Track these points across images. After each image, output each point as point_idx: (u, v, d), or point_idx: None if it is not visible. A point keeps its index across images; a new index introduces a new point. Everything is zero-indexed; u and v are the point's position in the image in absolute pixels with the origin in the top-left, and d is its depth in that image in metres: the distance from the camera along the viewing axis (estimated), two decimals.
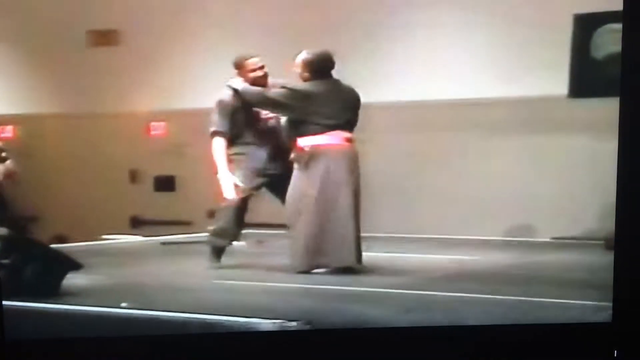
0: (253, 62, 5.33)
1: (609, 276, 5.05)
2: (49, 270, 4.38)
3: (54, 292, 4.31)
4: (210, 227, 5.29)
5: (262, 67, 5.31)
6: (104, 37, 8.32)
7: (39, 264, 4.35)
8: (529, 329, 3.61)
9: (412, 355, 3.62)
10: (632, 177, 3.64)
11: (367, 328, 3.65)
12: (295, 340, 3.67)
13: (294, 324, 3.69)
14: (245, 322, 3.79)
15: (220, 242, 5.25)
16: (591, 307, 3.97)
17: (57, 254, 4.64)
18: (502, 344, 3.59)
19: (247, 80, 5.32)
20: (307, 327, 3.69)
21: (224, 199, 5.17)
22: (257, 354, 3.67)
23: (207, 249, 6.19)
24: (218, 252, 5.26)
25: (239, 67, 5.34)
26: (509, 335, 3.59)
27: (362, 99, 5.19)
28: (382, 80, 7.13)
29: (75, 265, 4.52)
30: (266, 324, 3.76)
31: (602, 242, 6.15)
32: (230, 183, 5.16)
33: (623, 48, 3.66)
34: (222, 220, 5.20)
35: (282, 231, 6.19)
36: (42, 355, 3.65)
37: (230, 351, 3.73)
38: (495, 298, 4.26)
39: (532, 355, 3.59)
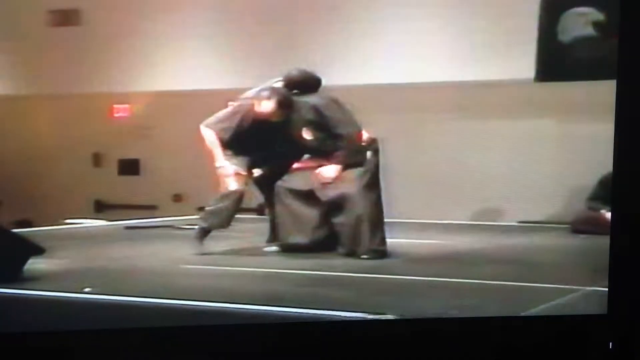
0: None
1: (578, 258, 5.11)
2: (10, 254, 4.30)
3: (15, 277, 4.23)
4: (208, 207, 5.22)
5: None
6: (66, 17, 8.18)
7: None
8: (522, 320, 3.61)
9: (396, 351, 3.60)
10: (628, 164, 3.63)
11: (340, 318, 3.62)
12: (269, 325, 3.64)
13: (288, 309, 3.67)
14: (213, 306, 3.76)
15: (214, 225, 5.20)
16: (563, 289, 4.01)
17: (19, 238, 4.54)
18: (494, 336, 3.58)
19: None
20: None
21: (227, 189, 5.15)
22: (226, 339, 3.64)
23: (171, 233, 6.15)
24: (203, 235, 5.21)
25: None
26: (502, 327, 3.58)
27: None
28: (353, 63, 7.12)
29: (37, 250, 4.44)
30: (231, 308, 3.73)
31: (568, 226, 6.25)
32: (231, 172, 5.13)
33: (620, 31, 3.64)
34: (221, 206, 5.17)
35: (250, 215, 6.17)
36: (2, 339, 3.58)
37: (197, 336, 3.69)
38: (471, 282, 4.28)
39: (526, 346, 3.59)
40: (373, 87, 7.03)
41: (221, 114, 5.29)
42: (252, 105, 5.22)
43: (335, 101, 5.22)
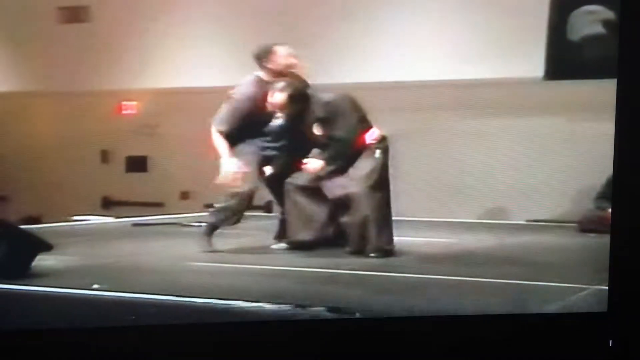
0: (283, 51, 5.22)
1: (585, 258, 5.10)
2: (18, 251, 4.31)
3: (24, 273, 4.24)
4: (218, 205, 5.22)
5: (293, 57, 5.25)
6: (75, 14, 8.19)
7: (8, 245, 4.28)
8: (523, 318, 3.61)
9: (399, 346, 3.61)
10: (629, 162, 3.63)
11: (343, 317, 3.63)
12: (273, 323, 3.64)
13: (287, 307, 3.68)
14: (220, 304, 3.76)
15: (224, 222, 5.19)
16: (570, 288, 4.00)
17: (28, 234, 4.56)
18: (495, 333, 3.58)
19: (273, 73, 5.21)
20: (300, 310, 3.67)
21: (236, 187, 5.15)
22: (233, 335, 3.64)
23: (178, 230, 6.14)
24: (211, 232, 5.20)
25: (264, 58, 5.23)
26: (502, 325, 3.58)
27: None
28: (357, 61, 7.10)
29: (45, 246, 4.45)
30: (236, 307, 3.73)
31: (575, 224, 6.24)
32: (230, 169, 5.12)
33: (620, 30, 3.64)
34: (231, 204, 5.17)
35: (258, 213, 6.18)
36: (10, 336, 3.59)
37: (204, 333, 3.70)
38: (474, 280, 4.28)
39: (527, 344, 3.59)
40: (378, 86, 7.02)
41: (223, 111, 5.27)
42: (249, 100, 5.18)
43: (349, 99, 5.17)
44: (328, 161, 5.12)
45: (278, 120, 5.25)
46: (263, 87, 5.21)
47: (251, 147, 5.23)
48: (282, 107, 5.12)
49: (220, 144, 5.18)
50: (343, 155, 5.12)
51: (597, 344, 3.62)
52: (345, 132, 5.11)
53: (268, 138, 5.25)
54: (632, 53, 3.65)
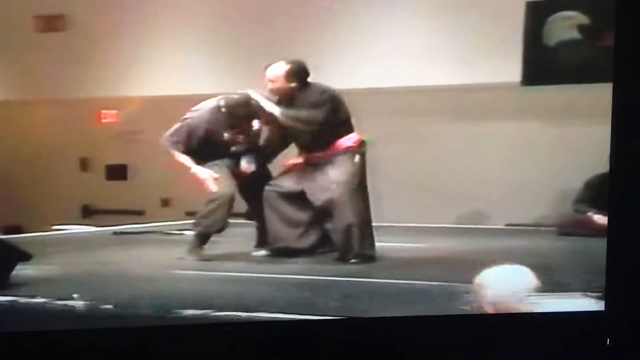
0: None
1: (564, 261, 5.13)
2: None
3: (2, 283, 4.21)
4: (200, 213, 5.21)
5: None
6: (52, 23, 8.16)
7: None
8: (519, 317, 3.61)
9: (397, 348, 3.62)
10: (624, 163, 3.65)
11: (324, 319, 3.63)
12: (259, 331, 3.65)
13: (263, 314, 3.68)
14: (203, 312, 3.76)
15: (210, 228, 5.17)
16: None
17: (5, 244, 4.53)
18: (492, 333, 3.59)
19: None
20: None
21: (211, 192, 5.15)
22: (213, 345, 3.63)
23: (159, 238, 6.14)
24: (202, 241, 5.18)
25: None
26: (500, 324, 3.58)
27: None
28: (344, 68, 7.12)
29: (24, 256, 4.42)
30: (221, 315, 3.73)
31: (554, 228, 6.28)
32: (207, 176, 5.12)
33: (616, 34, 3.67)
34: (212, 208, 5.15)
35: (240, 220, 6.17)
36: None
37: (185, 342, 3.69)
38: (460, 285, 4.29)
39: (524, 344, 3.60)
40: (362, 91, 7.03)
41: (176, 132, 5.27)
42: (205, 127, 5.16)
43: (340, 98, 5.19)
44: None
45: (238, 147, 5.25)
46: (221, 117, 5.23)
47: (218, 159, 5.24)
48: (277, 80, 5.08)
49: (183, 159, 5.21)
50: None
51: (595, 343, 3.62)
52: (312, 117, 5.05)
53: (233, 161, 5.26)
54: (628, 56, 3.67)
